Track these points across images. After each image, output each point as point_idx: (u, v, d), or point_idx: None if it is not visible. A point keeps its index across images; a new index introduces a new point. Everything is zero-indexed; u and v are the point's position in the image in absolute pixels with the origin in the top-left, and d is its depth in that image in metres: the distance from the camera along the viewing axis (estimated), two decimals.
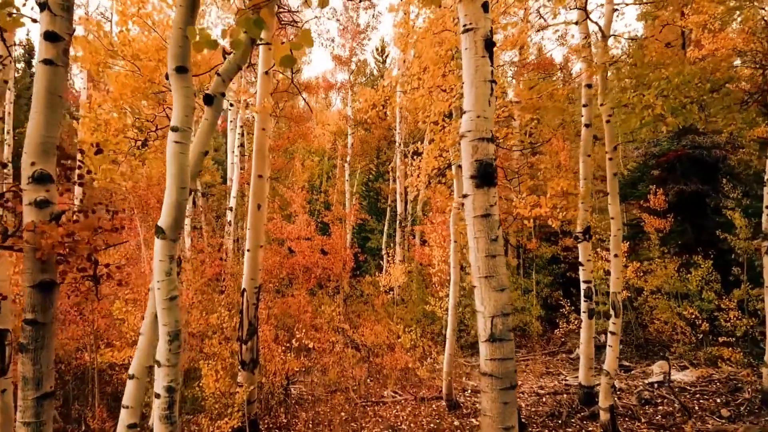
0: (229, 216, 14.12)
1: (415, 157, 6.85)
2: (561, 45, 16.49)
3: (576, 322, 10.71)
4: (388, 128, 20.00)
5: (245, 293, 6.93)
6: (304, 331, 7.74)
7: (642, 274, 10.55)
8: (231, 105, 15.98)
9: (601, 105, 6.76)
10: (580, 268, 7.63)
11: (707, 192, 11.06)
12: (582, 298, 7.70)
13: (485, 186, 3.10)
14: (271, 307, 11.78)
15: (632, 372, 9.67)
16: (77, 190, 14.82)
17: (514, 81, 14.02)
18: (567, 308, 11.15)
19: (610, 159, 6.73)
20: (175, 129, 2.16)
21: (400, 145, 17.15)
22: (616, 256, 6.72)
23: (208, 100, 2.56)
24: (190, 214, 15.83)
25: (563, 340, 12.10)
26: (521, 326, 12.51)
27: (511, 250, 16.23)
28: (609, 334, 6.74)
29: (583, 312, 7.67)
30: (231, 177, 14.74)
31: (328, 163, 24.95)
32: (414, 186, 6.62)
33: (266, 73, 7.11)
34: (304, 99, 11.58)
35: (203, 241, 12.68)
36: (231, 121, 15.73)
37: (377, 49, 25.64)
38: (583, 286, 7.65)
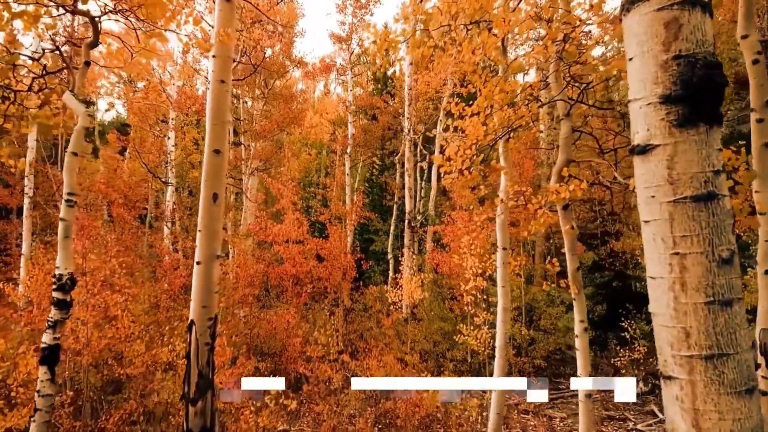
0: None
1: (460, 119, 4.43)
2: None
3: (644, 350, 8.31)
4: (394, 116, 17.58)
5: (194, 328, 4.51)
6: (287, 379, 5.35)
7: None
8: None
9: (743, 38, 4.41)
10: None
11: None
12: None
13: (701, 122, 1.09)
14: (254, 327, 9.41)
15: None
16: (27, 183, 12.52)
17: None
18: (630, 331, 8.72)
19: (759, 121, 4.35)
20: None
21: (408, 132, 14.76)
22: (767, 273, 4.34)
23: None
24: (162, 211, 13.50)
25: (616, 366, 9.72)
26: (563, 349, 10.14)
27: (538, 254, 13.89)
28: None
29: None
30: None
31: (326, 157, 22.53)
32: (453, 165, 4.21)
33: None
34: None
35: (165, 245, 10.29)
36: None
37: None
38: None
